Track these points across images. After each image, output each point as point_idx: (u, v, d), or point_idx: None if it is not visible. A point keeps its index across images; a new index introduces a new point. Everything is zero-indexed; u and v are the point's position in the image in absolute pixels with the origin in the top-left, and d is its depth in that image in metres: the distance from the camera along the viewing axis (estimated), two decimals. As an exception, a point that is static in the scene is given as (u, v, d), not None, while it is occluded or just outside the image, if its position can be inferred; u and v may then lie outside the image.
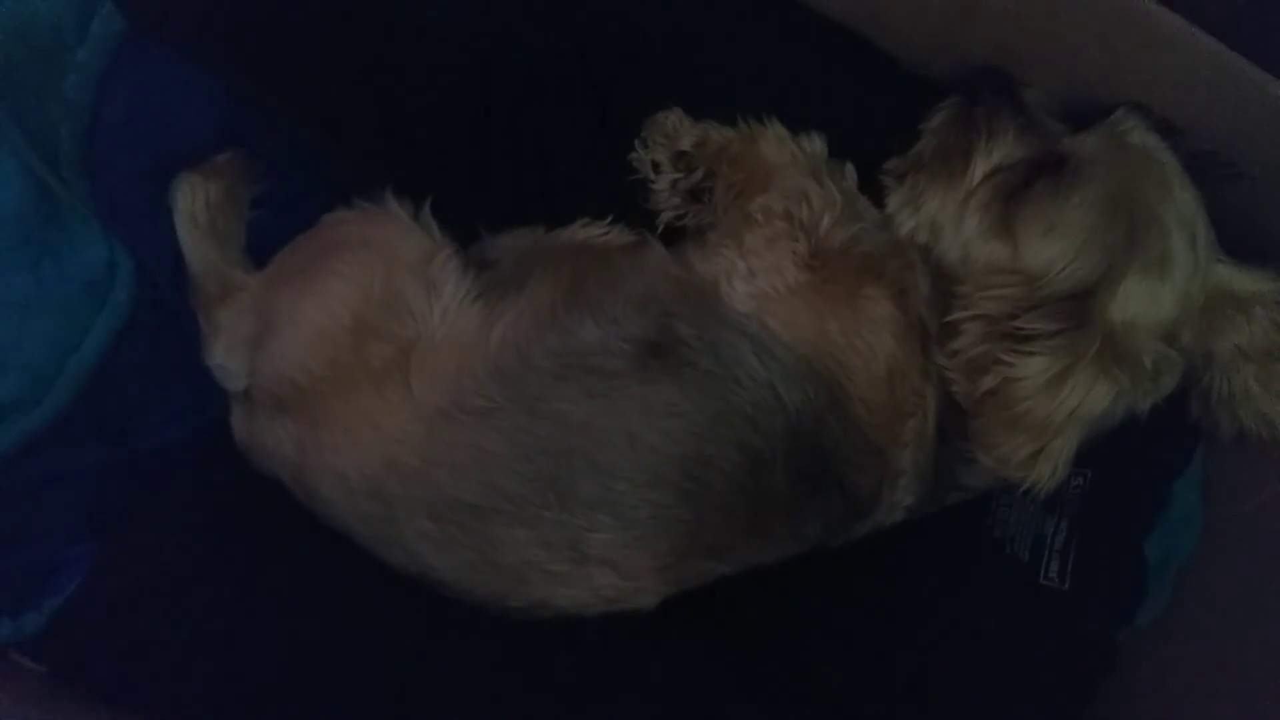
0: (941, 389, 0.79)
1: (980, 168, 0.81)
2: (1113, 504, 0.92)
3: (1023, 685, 0.88)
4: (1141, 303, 0.74)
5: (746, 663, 0.88)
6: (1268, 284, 0.80)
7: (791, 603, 0.89)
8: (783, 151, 0.86)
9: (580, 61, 0.90)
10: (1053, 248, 0.75)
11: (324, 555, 0.82)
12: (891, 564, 0.88)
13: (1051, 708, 0.89)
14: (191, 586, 0.81)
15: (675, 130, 0.89)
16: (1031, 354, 0.71)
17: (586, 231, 0.88)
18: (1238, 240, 0.81)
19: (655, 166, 0.90)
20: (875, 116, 0.91)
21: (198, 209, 0.86)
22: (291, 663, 0.80)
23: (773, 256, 0.80)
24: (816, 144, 0.87)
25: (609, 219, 0.88)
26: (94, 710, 0.77)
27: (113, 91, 0.79)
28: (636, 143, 0.90)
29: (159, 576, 0.81)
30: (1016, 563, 0.92)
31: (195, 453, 0.86)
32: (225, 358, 0.85)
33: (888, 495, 0.82)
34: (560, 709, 0.82)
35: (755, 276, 0.80)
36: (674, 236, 0.89)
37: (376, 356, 0.78)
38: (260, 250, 0.88)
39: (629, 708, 0.83)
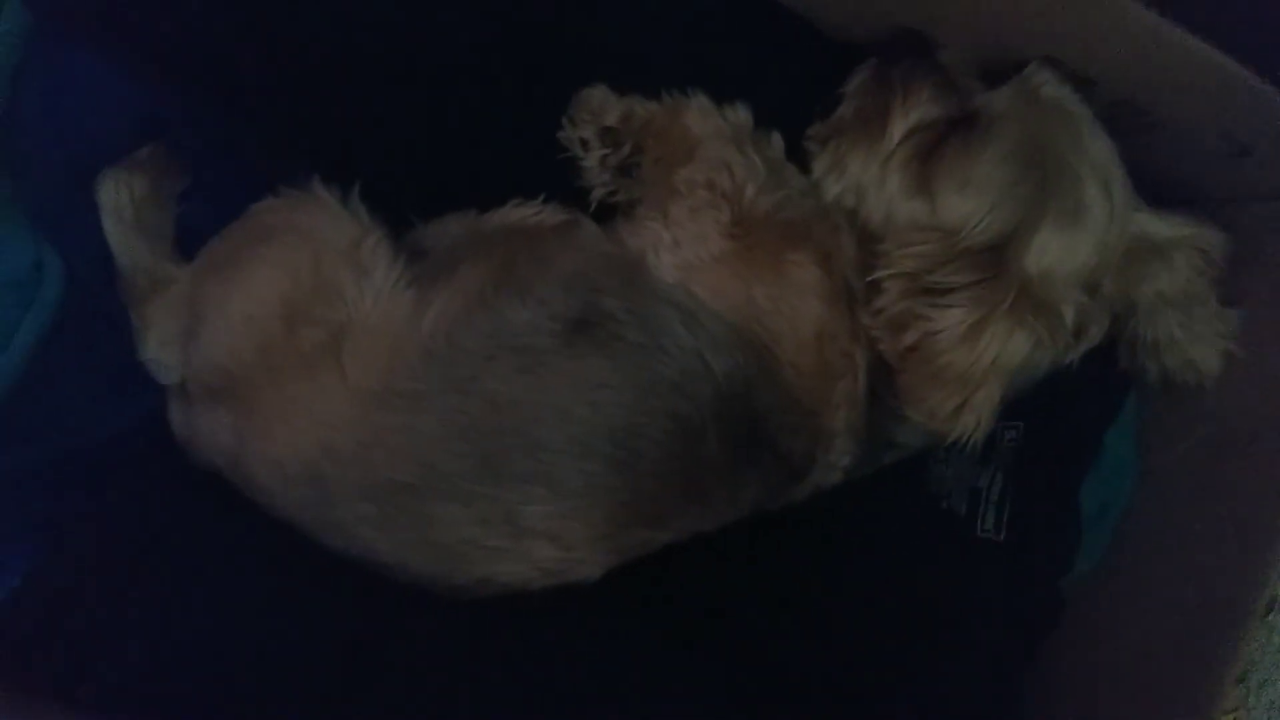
0: (870, 349, 0.80)
1: (898, 128, 0.82)
2: (1045, 455, 0.93)
3: (968, 638, 0.89)
4: (1057, 252, 0.75)
5: (693, 631, 0.89)
6: (1186, 230, 0.81)
7: (735, 569, 0.90)
8: (707, 123, 0.86)
9: (502, 41, 0.90)
10: (968, 202, 0.76)
11: (267, 545, 0.82)
12: (832, 525, 0.89)
13: (999, 659, 0.90)
14: (133, 582, 0.80)
15: (600, 106, 0.89)
16: (948, 306, 0.73)
17: (519, 212, 0.88)
18: (1155, 188, 0.82)
19: (583, 144, 0.91)
20: (799, 84, 0.91)
21: (123, 204, 0.85)
22: (238, 653, 0.80)
23: (696, 226, 0.81)
24: (741, 114, 0.87)
25: (541, 198, 0.89)
26: (42, 708, 0.77)
27: (27, 89, 0.79)
28: (564, 120, 0.91)
29: (100, 573, 0.80)
30: (953, 517, 0.93)
31: (133, 449, 0.86)
32: (159, 351, 0.85)
33: (823, 457, 0.82)
34: (510, 685, 0.83)
35: (680, 247, 0.80)
36: (610, 213, 0.90)
37: (308, 341, 0.78)
38: (189, 243, 0.88)
39: (577, 680, 0.84)
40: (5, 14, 0.76)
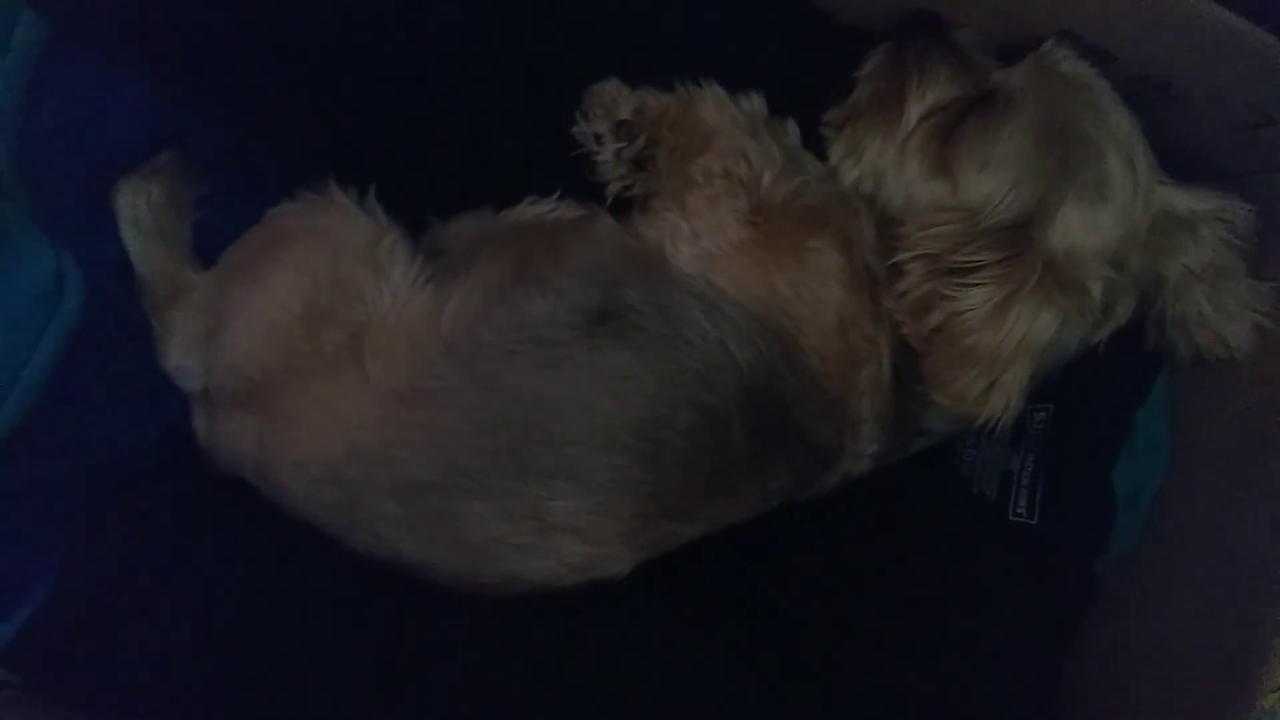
0: (894, 334, 0.79)
1: (915, 110, 0.81)
2: (1076, 436, 0.92)
3: (1004, 623, 0.87)
4: (1082, 228, 0.74)
5: (725, 625, 0.88)
6: (1212, 203, 0.80)
7: (766, 561, 0.89)
8: (722, 113, 0.86)
9: (512, 39, 0.90)
10: (989, 181, 0.75)
11: (292, 549, 0.82)
12: (863, 514, 0.88)
13: (1034, 642, 0.88)
14: (161, 590, 0.81)
15: (613, 100, 0.89)
16: (974, 285, 0.72)
17: (534, 209, 0.88)
18: (1180, 162, 0.81)
19: (597, 138, 0.90)
20: (813, 71, 0.90)
21: (140, 212, 0.86)
22: (266, 658, 0.80)
23: (715, 216, 0.80)
24: (756, 103, 0.87)
25: (556, 195, 0.88)
26: (76, 717, 0.78)
27: (42, 101, 0.79)
28: (577, 115, 0.91)
29: (128, 582, 0.80)
30: (985, 501, 0.92)
31: (158, 457, 0.86)
32: (181, 359, 0.85)
33: (850, 444, 0.82)
34: (539, 683, 0.82)
35: (699, 237, 0.80)
36: (627, 208, 0.90)
37: (329, 343, 0.78)
38: (208, 250, 0.88)
39: (608, 678, 0.83)
40: (20, 26, 0.77)
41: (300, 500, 0.80)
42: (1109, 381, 0.90)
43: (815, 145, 0.88)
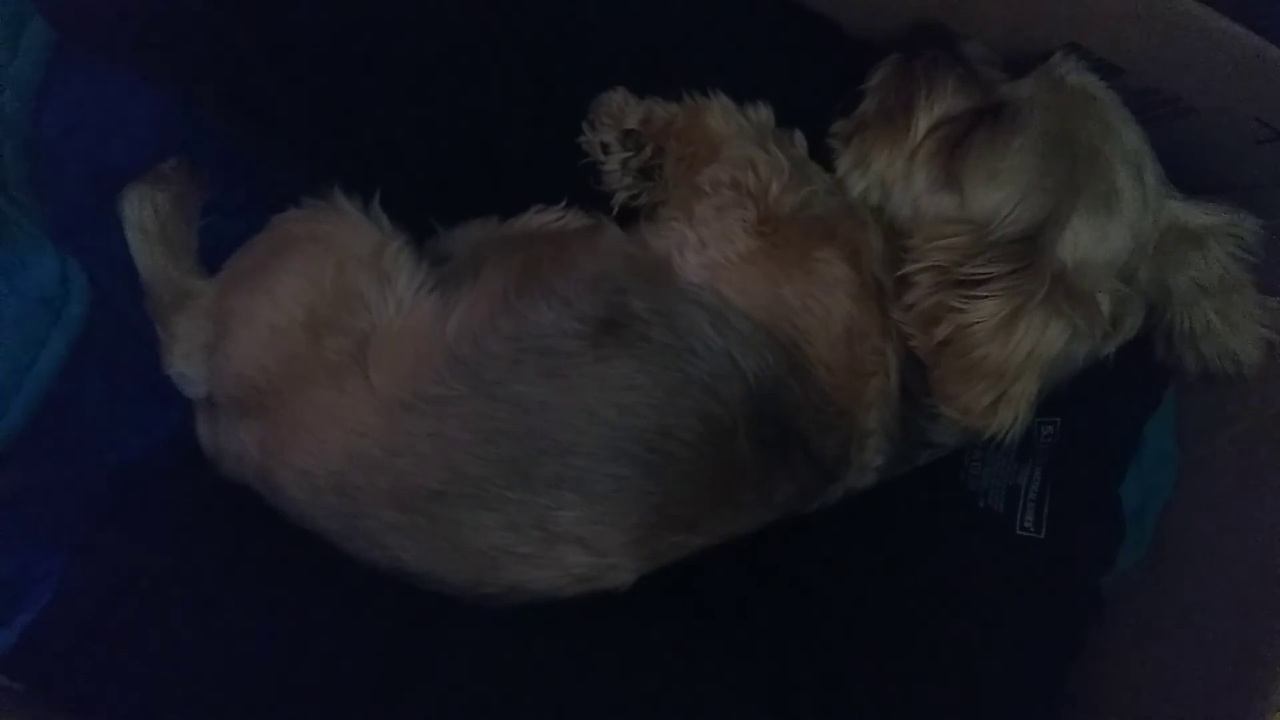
0: (902, 346, 0.79)
1: (923, 122, 0.81)
2: (1084, 451, 0.92)
3: (1009, 637, 0.87)
4: (1091, 240, 0.74)
5: (728, 637, 0.87)
6: (1221, 217, 0.80)
7: (771, 574, 0.89)
8: (729, 122, 0.86)
9: (521, 47, 0.90)
10: (998, 193, 0.75)
11: (295, 557, 0.81)
12: (868, 527, 0.88)
13: (1041, 658, 0.88)
14: (163, 596, 0.80)
15: (620, 109, 0.90)
16: (982, 298, 0.71)
17: (540, 218, 0.89)
18: (1189, 176, 0.81)
19: (604, 147, 0.90)
20: (820, 83, 0.91)
21: (147, 218, 0.86)
22: (268, 666, 0.79)
23: (722, 225, 0.80)
24: (763, 113, 0.87)
25: (562, 204, 0.88)
26: (75, 724, 0.77)
27: (50, 105, 0.79)
28: (584, 125, 0.91)
29: (130, 587, 0.80)
30: (992, 515, 0.92)
31: (161, 463, 0.86)
32: (184, 365, 0.85)
33: (856, 456, 0.81)
34: (541, 694, 0.82)
35: (706, 247, 0.80)
36: (634, 217, 0.90)
37: (333, 351, 0.78)
38: (213, 256, 0.88)
39: (610, 689, 0.83)
40: (28, 32, 0.77)
41: (303, 507, 0.79)
42: (1117, 395, 0.89)
43: (822, 157, 0.88)
